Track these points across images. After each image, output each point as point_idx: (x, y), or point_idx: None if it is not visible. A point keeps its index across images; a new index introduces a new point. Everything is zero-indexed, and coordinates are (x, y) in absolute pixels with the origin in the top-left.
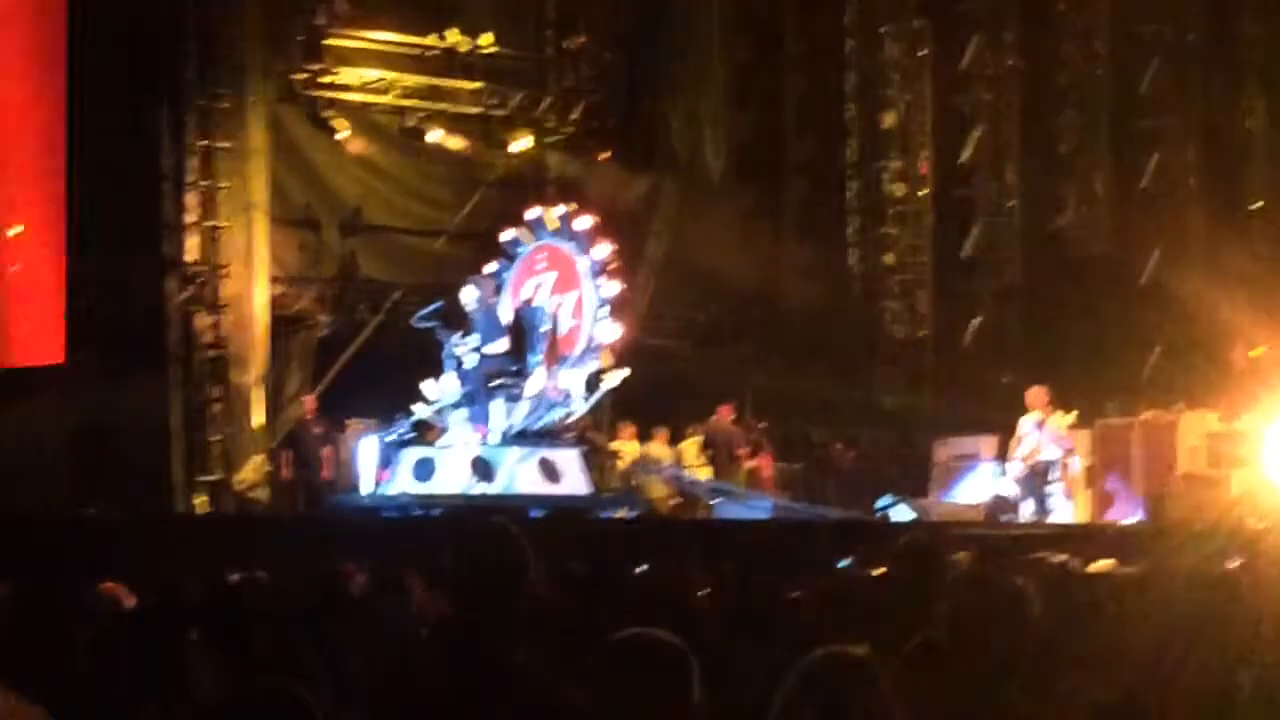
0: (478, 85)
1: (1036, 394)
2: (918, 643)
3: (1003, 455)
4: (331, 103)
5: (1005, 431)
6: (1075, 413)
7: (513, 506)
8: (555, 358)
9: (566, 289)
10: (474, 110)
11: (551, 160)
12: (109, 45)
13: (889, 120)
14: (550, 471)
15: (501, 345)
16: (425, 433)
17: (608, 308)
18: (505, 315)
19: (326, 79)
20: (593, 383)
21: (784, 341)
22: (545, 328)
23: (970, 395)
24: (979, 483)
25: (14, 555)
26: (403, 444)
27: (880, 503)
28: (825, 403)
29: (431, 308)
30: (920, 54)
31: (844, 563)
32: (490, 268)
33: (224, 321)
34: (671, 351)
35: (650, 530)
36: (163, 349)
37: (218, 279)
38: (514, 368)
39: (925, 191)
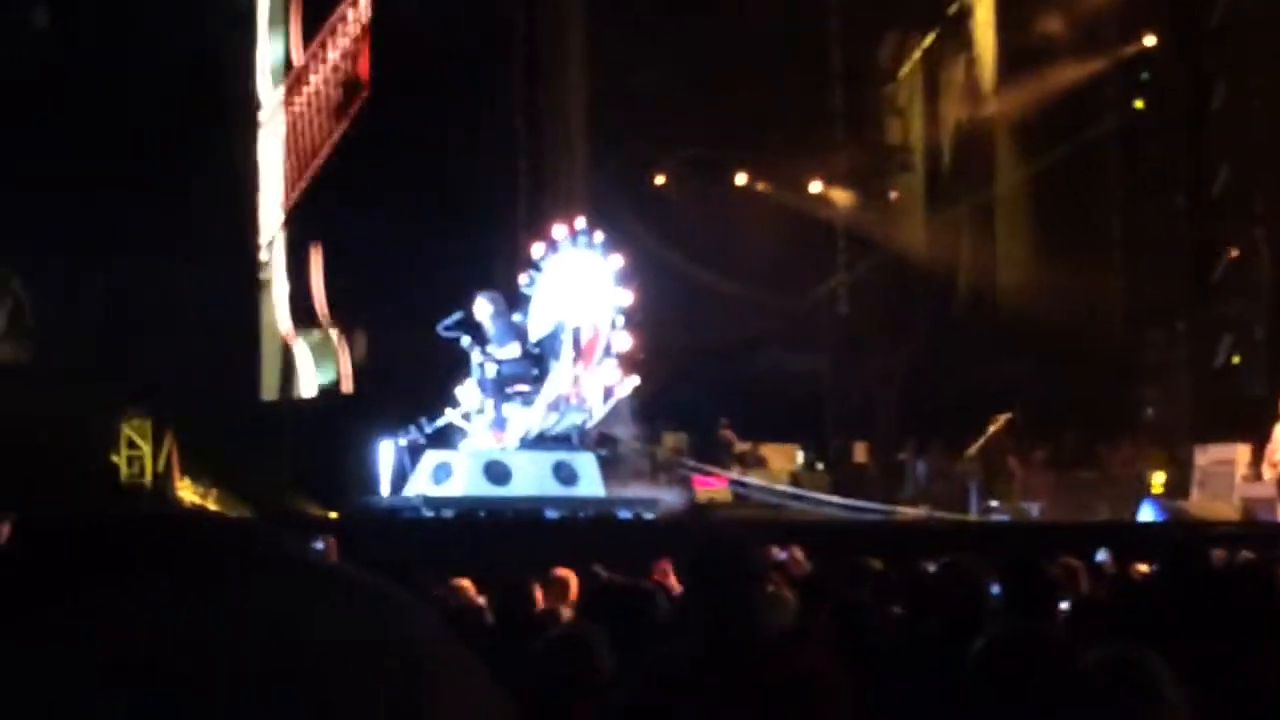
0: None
1: None
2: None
3: (1258, 461)
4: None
5: (1260, 439)
6: None
7: (526, 509)
8: (581, 364)
9: (587, 297)
10: (777, 156)
11: (840, 200)
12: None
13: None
14: (566, 475)
15: (514, 350)
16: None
17: (623, 316)
18: (535, 328)
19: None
20: (608, 391)
21: (1052, 359)
22: (565, 334)
23: (1226, 408)
24: (1237, 486)
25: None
26: (417, 448)
27: (1142, 507)
28: (1091, 416)
29: (453, 318)
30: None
31: (1100, 555)
32: (523, 280)
33: None
34: (946, 366)
35: (930, 532)
36: None
37: None
38: (534, 373)
39: (1178, 221)
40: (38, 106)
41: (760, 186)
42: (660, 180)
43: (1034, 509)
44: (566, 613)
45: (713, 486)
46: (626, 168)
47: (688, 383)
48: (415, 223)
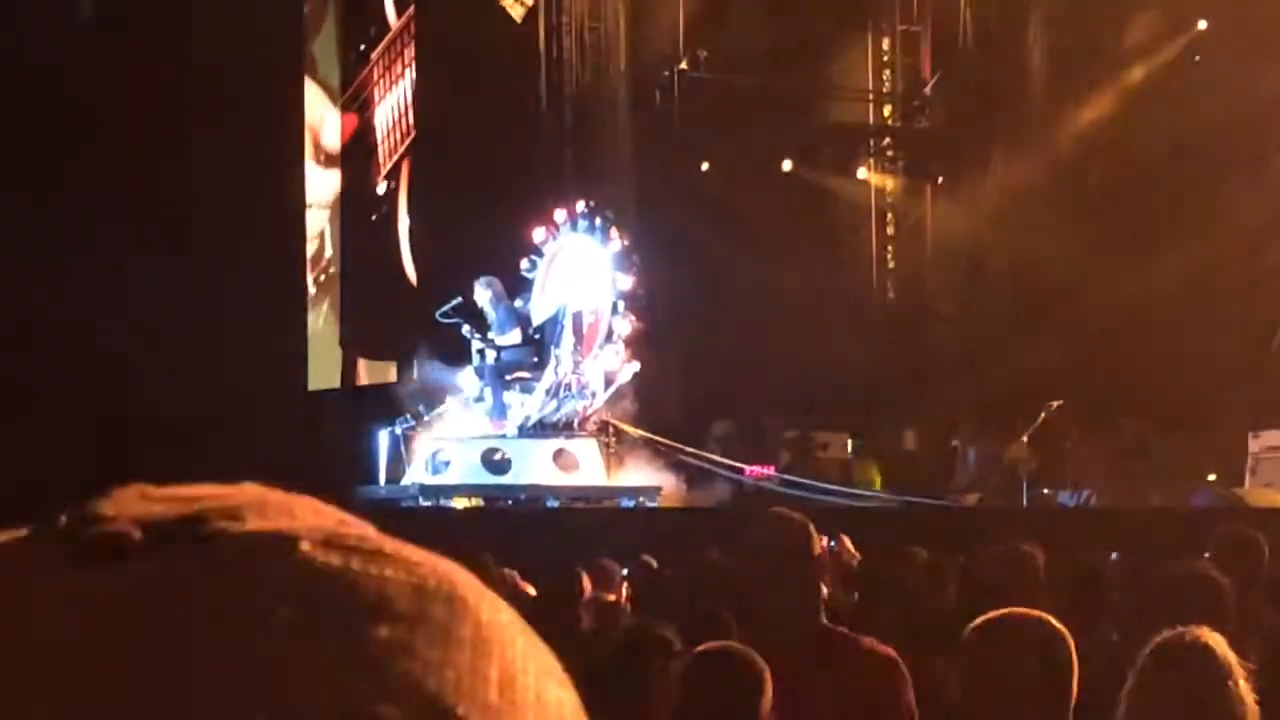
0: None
1: None
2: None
3: None
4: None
5: None
6: None
7: (526, 497)
8: (581, 349)
9: (588, 281)
10: (824, 142)
11: (887, 186)
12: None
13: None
14: (566, 462)
15: (514, 336)
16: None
17: (624, 301)
18: (537, 312)
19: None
20: (609, 377)
21: (1104, 345)
22: (565, 320)
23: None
24: None
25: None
26: (414, 437)
27: (1196, 495)
28: (1144, 401)
29: (451, 304)
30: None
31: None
32: (524, 265)
33: None
34: (997, 353)
35: (982, 519)
36: None
37: None
38: (534, 359)
39: (1233, 201)
40: (81, 99)
41: (807, 172)
42: (705, 167)
43: (1070, 500)
44: (611, 598)
45: (761, 475)
46: (672, 155)
47: (736, 370)
48: (460, 213)
